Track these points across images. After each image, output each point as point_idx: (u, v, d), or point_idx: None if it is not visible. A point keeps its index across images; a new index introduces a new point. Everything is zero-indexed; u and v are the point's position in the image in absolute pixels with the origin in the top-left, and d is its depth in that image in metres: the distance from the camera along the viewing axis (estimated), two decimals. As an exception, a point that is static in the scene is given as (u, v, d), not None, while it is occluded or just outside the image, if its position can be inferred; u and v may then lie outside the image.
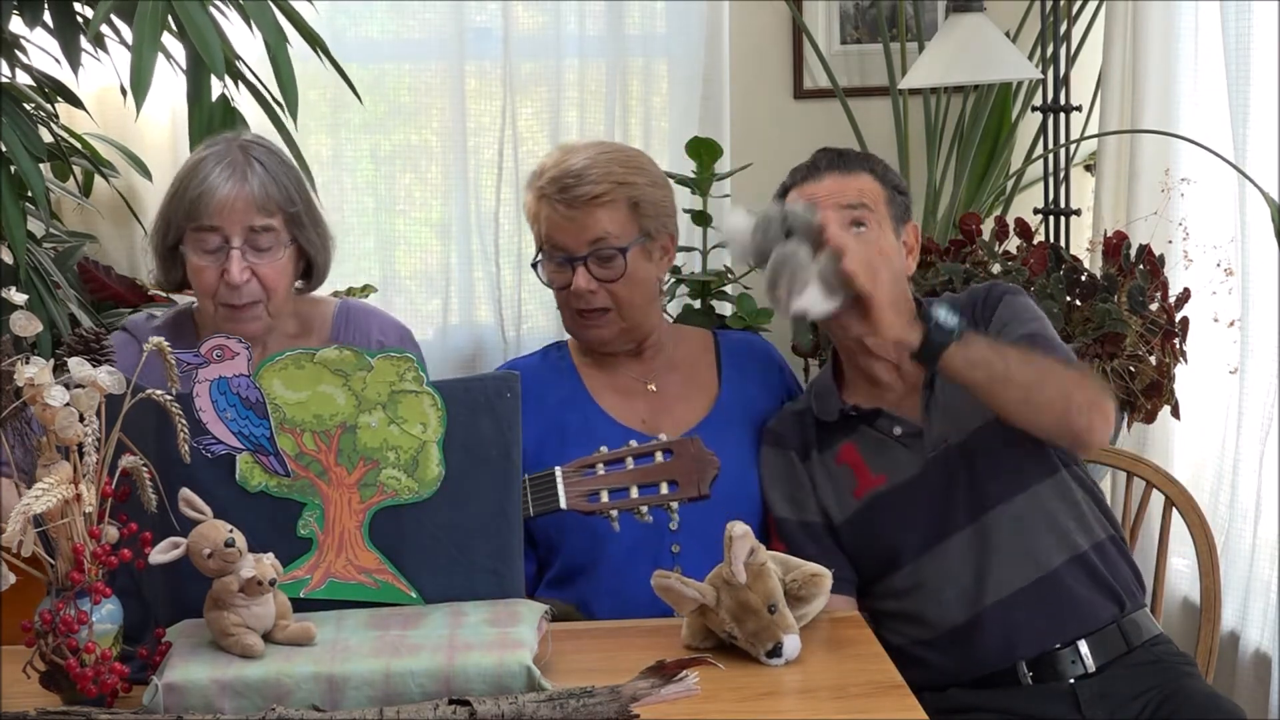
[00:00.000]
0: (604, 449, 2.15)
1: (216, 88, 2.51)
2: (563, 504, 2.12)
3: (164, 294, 3.23)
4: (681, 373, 2.58)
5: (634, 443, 2.16)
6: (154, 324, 2.45)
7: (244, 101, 2.62)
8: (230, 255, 2.30)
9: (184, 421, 1.84)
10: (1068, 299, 2.95)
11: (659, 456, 2.13)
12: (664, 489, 2.11)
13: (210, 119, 2.50)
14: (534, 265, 2.54)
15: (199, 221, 2.30)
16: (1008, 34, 3.34)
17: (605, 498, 2.11)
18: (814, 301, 2.16)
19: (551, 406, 2.51)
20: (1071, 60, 3.35)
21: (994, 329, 2.38)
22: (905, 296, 2.42)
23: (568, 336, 2.65)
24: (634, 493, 2.11)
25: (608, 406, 2.52)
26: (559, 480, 2.13)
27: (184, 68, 2.59)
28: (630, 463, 2.13)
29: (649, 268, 2.51)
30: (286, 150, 2.47)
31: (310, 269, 2.43)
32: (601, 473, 2.13)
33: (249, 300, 2.32)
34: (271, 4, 2.49)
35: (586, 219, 2.44)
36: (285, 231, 2.34)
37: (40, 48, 2.82)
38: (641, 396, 2.54)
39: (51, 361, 1.80)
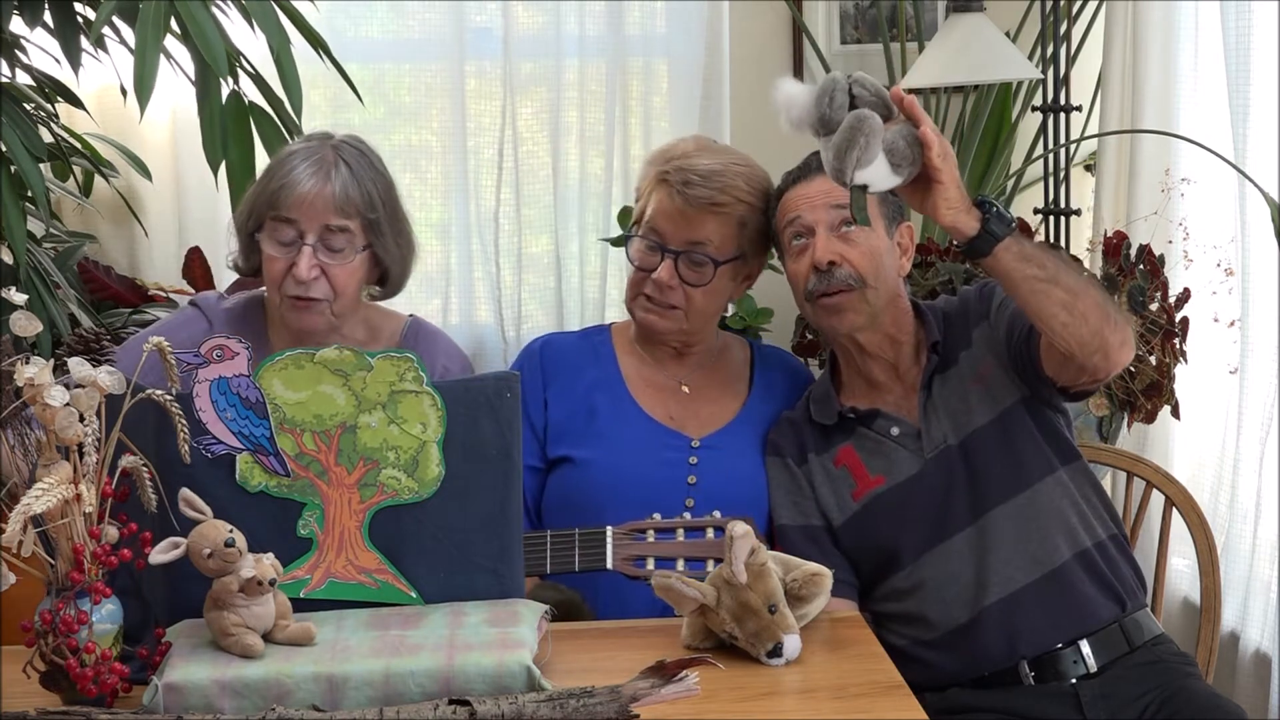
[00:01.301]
0: (657, 516, 2.17)
1: (224, 88, 2.51)
2: (609, 564, 2.14)
3: (164, 294, 3.24)
4: (716, 377, 2.59)
5: (688, 515, 2.17)
6: (225, 305, 2.46)
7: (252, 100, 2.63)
8: (301, 251, 2.31)
9: (184, 421, 1.84)
10: (1068, 299, 2.95)
11: (710, 534, 2.14)
12: (710, 566, 2.11)
13: (221, 119, 2.51)
14: (626, 238, 2.55)
15: (278, 212, 2.32)
16: (1008, 34, 3.34)
17: (651, 565, 2.12)
18: (880, 175, 2.04)
19: (584, 386, 2.52)
20: (1071, 60, 3.35)
21: (993, 318, 2.38)
22: (895, 295, 2.42)
23: (604, 323, 2.66)
24: (680, 566, 2.12)
25: (639, 397, 2.53)
26: (609, 540, 2.14)
27: (185, 69, 2.59)
28: (680, 534, 2.14)
29: (730, 287, 2.53)
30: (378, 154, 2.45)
31: (386, 276, 2.43)
32: (651, 540, 2.14)
33: (315, 297, 2.33)
34: (274, 4, 2.49)
35: (696, 219, 2.44)
36: (361, 236, 2.35)
37: (40, 48, 2.82)
38: (674, 395, 2.54)
39: (51, 361, 1.80)
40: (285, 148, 2.38)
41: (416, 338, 2.49)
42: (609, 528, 2.15)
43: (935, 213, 2.10)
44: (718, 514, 2.17)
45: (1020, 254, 2.12)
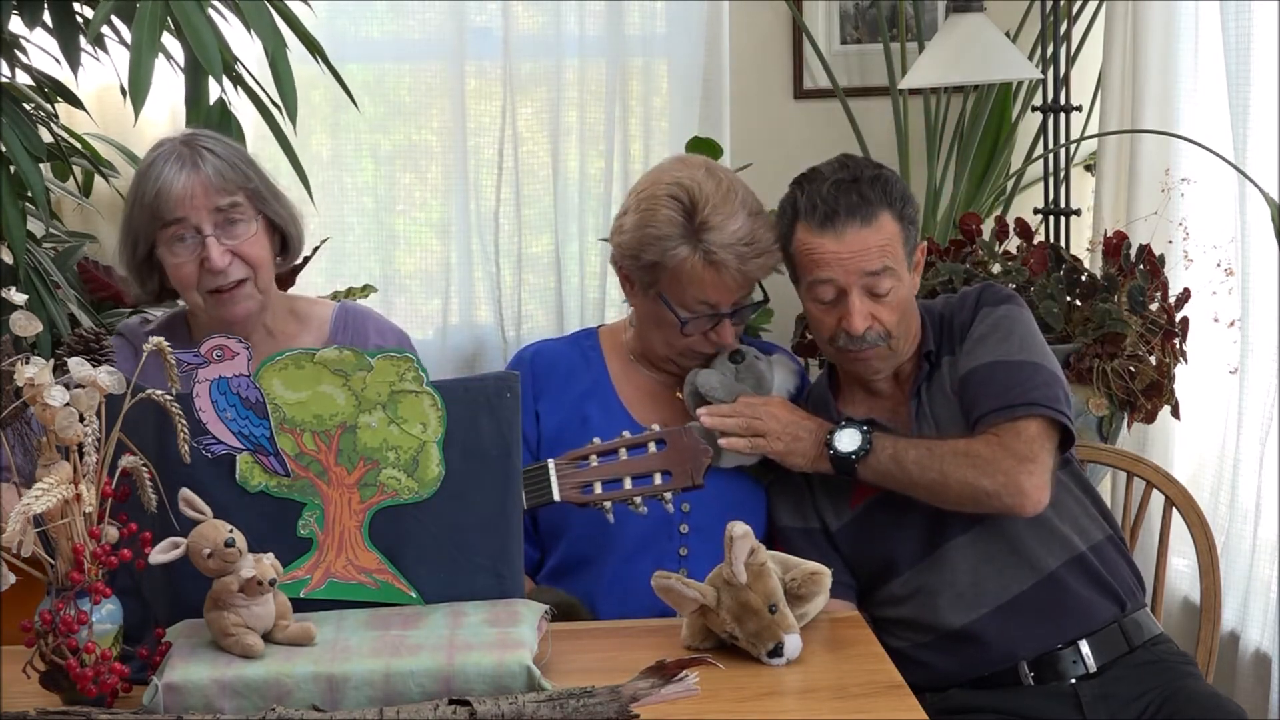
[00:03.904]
0: (597, 440, 2.16)
1: (215, 90, 2.51)
2: (556, 496, 2.13)
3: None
4: None
5: (627, 433, 2.16)
6: (148, 327, 2.45)
7: (242, 105, 2.62)
8: (206, 243, 2.28)
9: (184, 421, 1.84)
10: (1068, 299, 2.95)
11: (652, 447, 2.14)
12: (657, 480, 2.12)
13: (208, 121, 2.50)
14: (682, 324, 2.39)
15: (164, 218, 2.29)
16: (1008, 34, 3.34)
17: (599, 489, 2.12)
18: (736, 456, 2.35)
19: (575, 394, 2.50)
20: (1071, 60, 3.35)
21: (967, 346, 2.37)
22: (914, 315, 2.40)
23: (596, 325, 2.66)
24: (627, 484, 2.12)
25: (630, 405, 2.51)
26: (552, 472, 2.14)
27: (184, 67, 2.59)
28: (623, 454, 2.14)
29: None
30: (232, 139, 2.44)
31: (285, 244, 2.42)
32: (595, 464, 2.14)
33: (235, 279, 2.31)
34: (270, 8, 2.49)
35: (748, 282, 2.40)
36: (250, 206, 2.33)
37: (40, 48, 2.82)
38: (667, 401, 2.51)
39: (51, 361, 1.80)
40: (141, 163, 2.35)
41: (347, 320, 2.48)
42: (550, 460, 2.15)
43: (795, 469, 2.36)
44: (656, 427, 2.18)
45: (875, 475, 2.29)
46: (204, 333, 2.34)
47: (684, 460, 2.12)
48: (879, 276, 2.30)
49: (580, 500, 2.13)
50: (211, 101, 2.52)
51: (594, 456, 2.15)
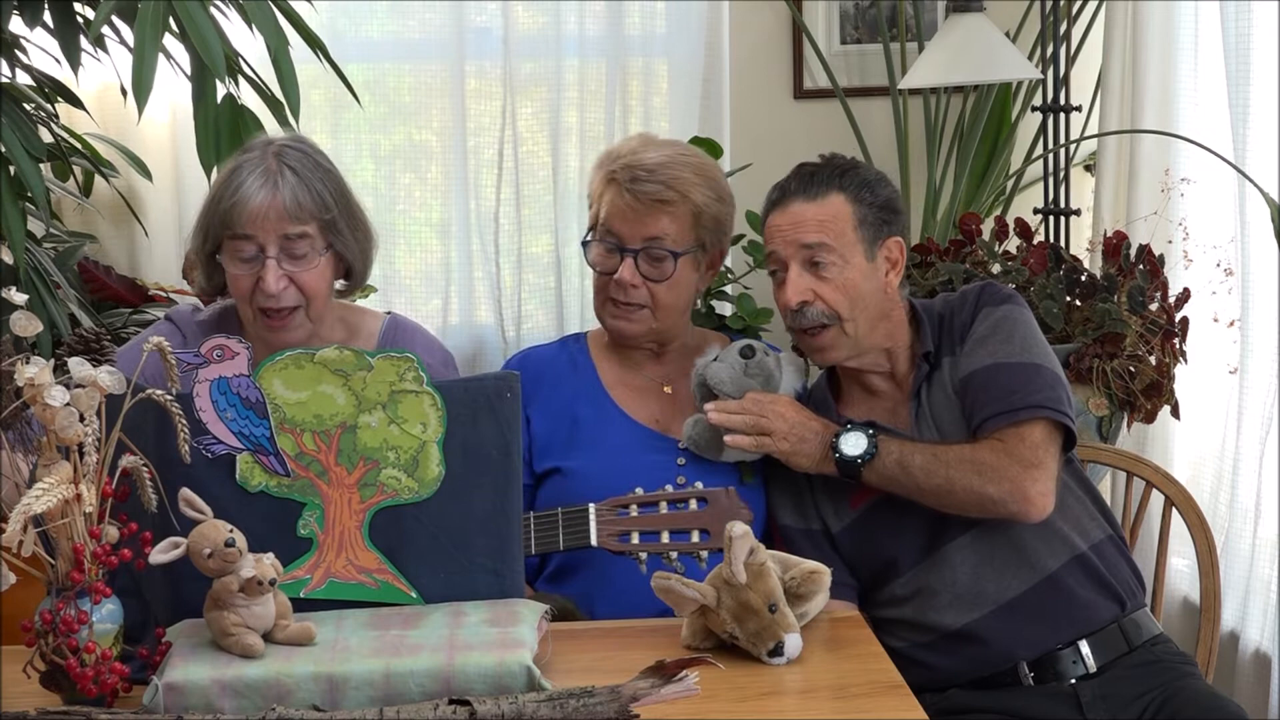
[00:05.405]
0: (639, 490, 2.17)
1: (220, 89, 2.51)
2: (593, 541, 2.14)
3: (164, 293, 3.24)
4: None
5: (669, 487, 2.17)
6: (199, 316, 2.45)
7: (248, 101, 2.62)
8: (265, 265, 2.29)
9: (184, 421, 1.84)
10: (1068, 299, 2.95)
11: (693, 504, 2.14)
12: (695, 537, 2.12)
13: (216, 120, 2.50)
14: (584, 243, 2.54)
15: (233, 230, 2.29)
16: (1008, 34, 3.34)
17: (636, 539, 2.13)
18: (739, 453, 2.38)
19: (565, 397, 2.51)
20: (1071, 60, 3.35)
21: (968, 347, 2.37)
22: (884, 313, 2.39)
23: (584, 330, 2.66)
24: (665, 538, 2.13)
25: (621, 402, 2.52)
26: (592, 517, 2.15)
27: (184, 68, 2.59)
28: (664, 507, 2.14)
29: (693, 277, 2.52)
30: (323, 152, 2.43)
31: (349, 271, 2.42)
32: (635, 514, 2.14)
33: (288, 306, 2.31)
34: (272, 5, 2.49)
35: (649, 215, 2.44)
36: (321, 238, 2.32)
37: (40, 48, 2.82)
38: (656, 396, 2.54)
39: (51, 361, 1.80)
40: (228, 163, 2.35)
41: (395, 334, 2.48)
42: (592, 505, 2.15)
43: (799, 469, 2.36)
44: (700, 485, 2.18)
45: (880, 479, 2.29)
46: (253, 333, 2.35)
47: (724, 521, 2.11)
48: (814, 250, 2.33)
49: (616, 548, 2.14)
50: (218, 100, 2.51)
51: (634, 506, 2.15)
